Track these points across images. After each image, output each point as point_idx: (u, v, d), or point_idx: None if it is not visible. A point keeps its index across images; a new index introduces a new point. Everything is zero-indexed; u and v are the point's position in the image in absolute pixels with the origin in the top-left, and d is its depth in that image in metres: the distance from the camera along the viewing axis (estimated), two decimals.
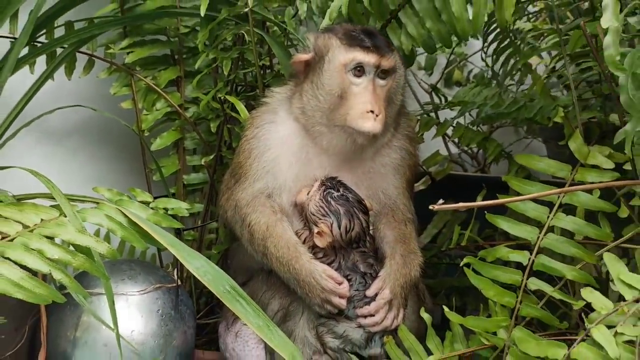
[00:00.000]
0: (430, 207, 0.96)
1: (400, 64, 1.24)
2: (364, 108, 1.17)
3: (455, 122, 1.58)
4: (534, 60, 1.88)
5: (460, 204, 0.96)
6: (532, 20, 1.82)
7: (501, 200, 0.95)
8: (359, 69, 1.20)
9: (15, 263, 0.99)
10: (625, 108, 0.83)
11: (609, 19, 0.80)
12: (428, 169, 1.72)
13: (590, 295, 0.87)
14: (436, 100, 2.01)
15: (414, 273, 1.21)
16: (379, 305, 1.19)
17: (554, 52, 1.78)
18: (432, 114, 1.74)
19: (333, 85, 1.20)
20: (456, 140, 1.83)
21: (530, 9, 1.76)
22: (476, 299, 1.18)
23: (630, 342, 0.76)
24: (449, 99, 1.85)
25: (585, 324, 0.81)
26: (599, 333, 0.78)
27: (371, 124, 1.17)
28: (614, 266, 0.87)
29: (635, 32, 0.91)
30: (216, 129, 1.54)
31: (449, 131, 1.62)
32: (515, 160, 1.21)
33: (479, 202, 0.96)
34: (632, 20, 0.94)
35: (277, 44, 1.44)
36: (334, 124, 1.20)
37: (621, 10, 0.81)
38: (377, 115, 1.18)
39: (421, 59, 2.15)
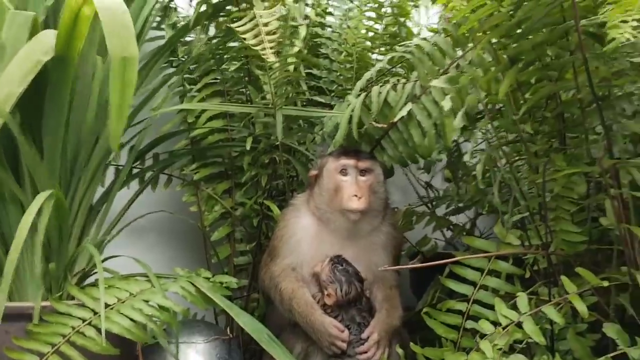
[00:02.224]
0: (380, 268, 1.38)
1: (377, 167, 1.57)
2: (351, 193, 1.51)
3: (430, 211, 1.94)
4: None
5: (400, 266, 1.34)
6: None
7: (432, 263, 1.36)
8: (344, 170, 1.56)
9: (126, 316, 1.32)
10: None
11: (468, 157, 1.25)
12: (421, 249, 2.13)
13: (482, 323, 1.22)
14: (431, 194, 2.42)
15: (395, 322, 1.53)
16: (369, 345, 1.49)
17: None
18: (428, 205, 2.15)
19: (330, 184, 1.55)
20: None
21: None
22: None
23: (500, 349, 1.12)
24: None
25: (477, 340, 1.20)
26: (484, 344, 1.12)
27: (356, 203, 1.51)
28: (498, 305, 1.21)
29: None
30: (257, 223, 1.84)
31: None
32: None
33: (417, 264, 1.35)
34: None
35: (299, 163, 1.81)
36: (334, 210, 1.54)
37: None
38: (360, 198, 1.51)
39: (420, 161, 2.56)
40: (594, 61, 1.20)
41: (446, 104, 1.23)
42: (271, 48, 1.42)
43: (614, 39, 1.02)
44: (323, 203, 1.58)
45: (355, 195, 1.52)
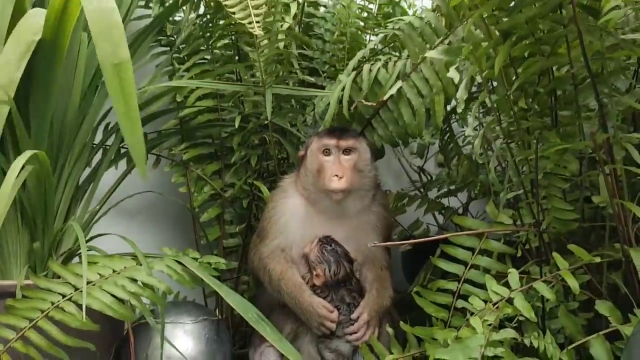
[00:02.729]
0: (370, 245, 1.36)
1: (362, 145, 1.54)
2: (332, 173, 1.49)
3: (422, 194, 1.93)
4: None
5: (389, 243, 1.32)
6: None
7: (426, 239, 1.33)
8: (326, 150, 1.54)
9: (108, 293, 1.30)
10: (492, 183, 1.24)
11: (470, 130, 1.23)
12: (413, 233, 2.10)
13: (473, 299, 1.21)
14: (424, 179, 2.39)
15: (385, 302, 1.51)
16: (359, 325, 1.47)
17: None
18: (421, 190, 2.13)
19: (314, 164, 1.53)
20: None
21: None
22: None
23: (490, 325, 1.09)
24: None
25: (468, 316, 1.18)
26: (474, 320, 1.09)
27: (336, 183, 1.48)
28: (489, 281, 1.19)
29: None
30: (247, 205, 1.82)
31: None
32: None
33: (411, 241, 1.33)
34: None
35: (289, 143, 1.78)
36: (319, 190, 1.52)
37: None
38: (341, 177, 1.49)
39: (413, 145, 2.54)
40: (587, 35, 1.17)
41: (452, 74, 1.20)
42: (258, 22, 1.38)
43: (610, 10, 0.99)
44: (309, 184, 1.56)
45: (337, 175, 1.49)
